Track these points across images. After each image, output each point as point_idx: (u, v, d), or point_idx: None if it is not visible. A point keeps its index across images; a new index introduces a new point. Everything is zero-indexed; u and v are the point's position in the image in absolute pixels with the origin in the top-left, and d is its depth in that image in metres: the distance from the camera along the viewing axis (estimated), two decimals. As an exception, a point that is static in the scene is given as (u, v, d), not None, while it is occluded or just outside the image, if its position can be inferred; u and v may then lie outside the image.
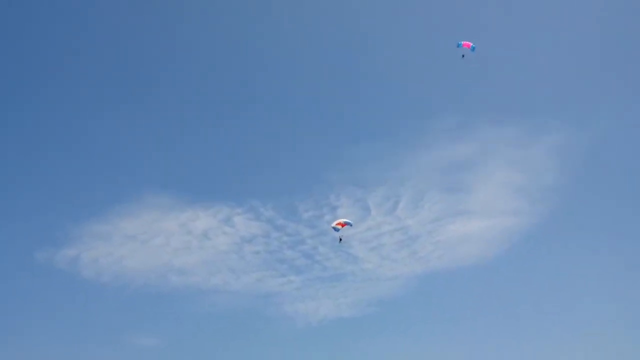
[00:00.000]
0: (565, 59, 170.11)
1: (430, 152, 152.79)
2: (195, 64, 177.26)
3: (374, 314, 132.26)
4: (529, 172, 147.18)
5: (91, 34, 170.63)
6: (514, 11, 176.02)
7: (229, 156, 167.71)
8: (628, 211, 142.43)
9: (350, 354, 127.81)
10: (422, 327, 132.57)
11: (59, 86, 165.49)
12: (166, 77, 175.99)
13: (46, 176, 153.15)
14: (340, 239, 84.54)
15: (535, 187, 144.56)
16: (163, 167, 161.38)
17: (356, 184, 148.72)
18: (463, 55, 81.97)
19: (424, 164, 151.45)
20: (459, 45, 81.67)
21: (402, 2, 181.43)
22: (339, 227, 79.89)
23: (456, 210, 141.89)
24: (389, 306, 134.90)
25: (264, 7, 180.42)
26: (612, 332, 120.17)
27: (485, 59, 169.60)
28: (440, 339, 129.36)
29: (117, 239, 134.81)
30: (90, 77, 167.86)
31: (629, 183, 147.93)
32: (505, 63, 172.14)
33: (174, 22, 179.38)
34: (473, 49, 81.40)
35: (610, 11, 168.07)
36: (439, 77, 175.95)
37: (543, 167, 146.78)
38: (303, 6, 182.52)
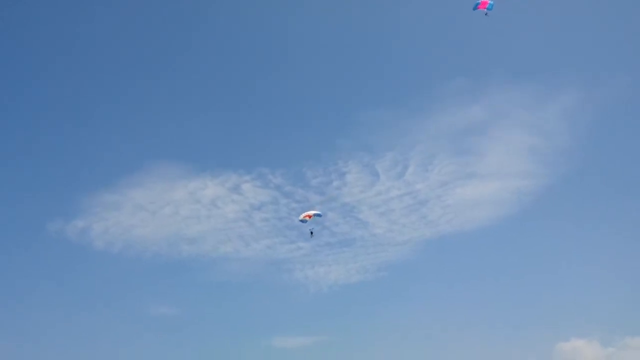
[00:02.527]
0: (580, 16, 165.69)
1: (440, 115, 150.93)
2: (203, 34, 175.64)
3: (383, 278, 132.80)
4: (542, 134, 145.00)
5: (109, 11, 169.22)
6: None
7: (236, 124, 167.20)
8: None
9: (361, 318, 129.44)
10: (432, 291, 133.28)
11: (69, 59, 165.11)
12: (175, 48, 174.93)
13: (56, 148, 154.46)
14: (312, 233, 79.70)
15: (547, 149, 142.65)
16: (171, 136, 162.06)
17: (364, 149, 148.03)
18: (486, 13, 78.80)
19: (434, 127, 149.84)
20: (475, 8, 78.60)
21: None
22: (307, 219, 76.46)
23: (466, 173, 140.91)
24: (399, 271, 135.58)
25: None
26: (621, 294, 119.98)
27: (495, 19, 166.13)
28: (450, 302, 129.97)
29: (127, 209, 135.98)
30: (102, 50, 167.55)
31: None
32: (516, 22, 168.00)
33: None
34: (491, 6, 78.44)
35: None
36: (447, 40, 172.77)
37: (556, 129, 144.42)
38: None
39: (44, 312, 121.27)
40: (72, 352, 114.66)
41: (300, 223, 76.99)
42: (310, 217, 76.40)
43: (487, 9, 78.55)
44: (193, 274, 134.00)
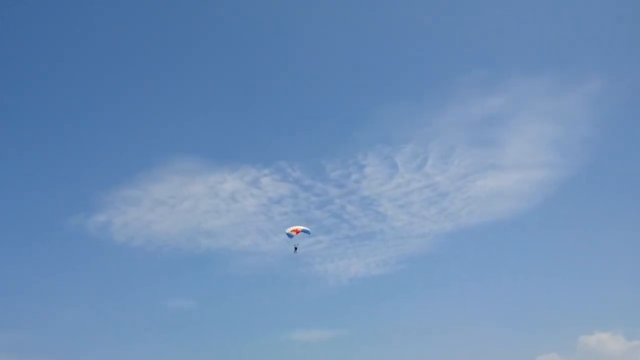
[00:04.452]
0: (603, 3, 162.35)
1: (459, 107, 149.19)
2: (221, 28, 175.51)
3: (403, 271, 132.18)
4: (564, 124, 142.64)
5: (129, 6, 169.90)
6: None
7: (255, 118, 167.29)
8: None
9: (381, 311, 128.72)
10: (452, 284, 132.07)
11: (90, 55, 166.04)
12: (194, 42, 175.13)
13: (76, 143, 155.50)
14: (296, 249, 76.39)
15: (570, 139, 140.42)
16: (189, 131, 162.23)
17: (383, 141, 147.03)
18: None
19: (453, 119, 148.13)
20: None
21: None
22: (293, 233, 73.38)
23: (487, 164, 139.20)
24: (419, 264, 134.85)
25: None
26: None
27: (514, 7, 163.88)
28: (471, 295, 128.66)
29: (146, 204, 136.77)
30: (121, 45, 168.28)
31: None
32: (537, 9, 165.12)
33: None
34: None
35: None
36: (465, 30, 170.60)
37: (578, 118, 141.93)
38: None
39: (64, 305, 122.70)
40: (92, 344, 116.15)
41: (287, 237, 73.94)
42: (298, 232, 73.62)
43: None
44: (212, 268, 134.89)
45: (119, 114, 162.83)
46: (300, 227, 73.22)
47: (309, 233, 73.75)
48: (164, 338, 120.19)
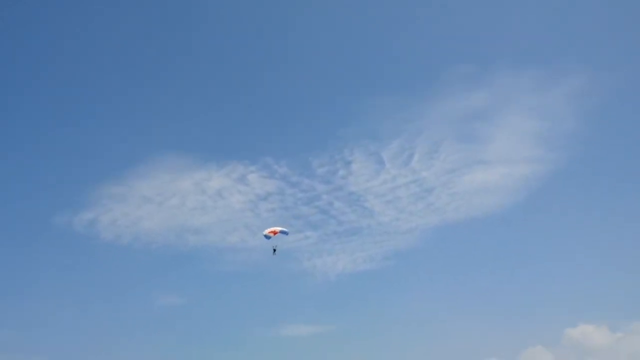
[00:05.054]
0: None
1: (445, 102, 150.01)
2: (207, 27, 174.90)
3: (390, 266, 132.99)
4: (548, 119, 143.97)
5: (118, 5, 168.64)
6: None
7: (241, 114, 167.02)
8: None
9: (368, 306, 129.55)
10: (439, 278, 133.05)
11: (75, 54, 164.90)
12: (179, 41, 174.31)
13: (62, 141, 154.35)
14: (275, 250, 74.96)
15: (554, 133, 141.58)
16: (176, 128, 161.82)
17: (370, 137, 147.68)
18: None
19: (439, 114, 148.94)
20: None
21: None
22: (271, 235, 72.32)
23: (473, 160, 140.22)
24: (406, 259, 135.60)
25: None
26: (630, 279, 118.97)
27: (500, 4, 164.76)
28: (457, 289, 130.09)
29: (133, 201, 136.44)
30: (107, 44, 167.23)
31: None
32: (522, 5, 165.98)
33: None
34: None
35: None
36: (452, 26, 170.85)
37: (562, 113, 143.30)
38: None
39: (53, 303, 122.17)
40: (81, 343, 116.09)
41: (265, 239, 72.72)
42: (275, 233, 72.48)
43: None
44: (200, 264, 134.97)
45: (106, 112, 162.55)
46: (278, 228, 72.31)
47: (287, 234, 72.97)
48: (153, 335, 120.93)
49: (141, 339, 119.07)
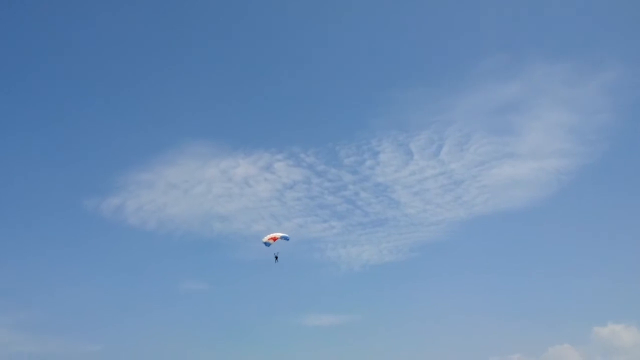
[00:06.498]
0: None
1: (476, 93, 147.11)
2: (236, 15, 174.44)
3: (416, 259, 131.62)
4: (582, 112, 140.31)
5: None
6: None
7: (268, 102, 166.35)
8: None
9: (392, 298, 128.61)
10: (465, 272, 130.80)
11: (107, 41, 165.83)
12: (210, 27, 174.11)
13: (91, 126, 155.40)
14: (276, 258, 72.17)
15: (587, 127, 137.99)
16: (203, 115, 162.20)
17: (398, 127, 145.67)
18: None
19: (470, 106, 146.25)
20: None
21: None
22: (271, 241, 69.72)
23: (503, 152, 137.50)
24: (432, 251, 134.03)
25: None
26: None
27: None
28: (484, 284, 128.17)
29: (160, 187, 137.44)
30: (140, 30, 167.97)
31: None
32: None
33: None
34: None
35: None
36: (484, 16, 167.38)
37: (596, 107, 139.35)
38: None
39: (79, 285, 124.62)
40: (105, 324, 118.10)
41: (265, 246, 70.08)
42: (275, 239, 70.19)
43: None
44: (224, 251, 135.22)
45: (135, 98, 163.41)
46: (278, 234, 70.49)
47: (288, 239, 70.74)
48: (176, 320, 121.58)
49: (164, 323, 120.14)
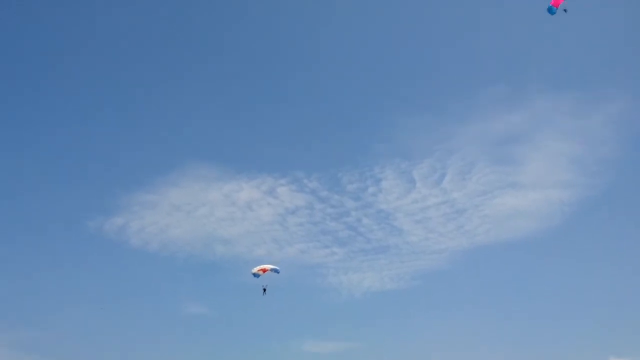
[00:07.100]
0: (625, 23, 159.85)
1: (480, 122, 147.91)
2: (237, 34, 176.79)
3: (417, 287, 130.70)
4: (585, 143, 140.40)
5: (147, 8, 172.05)
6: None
7: (273, 127, 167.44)
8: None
9: (393, 326, 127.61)
10: (467, 302, 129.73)
11: (108, 57, 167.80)
12: (212, 47, 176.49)
13: (96, 147, 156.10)
14: (265, 290, 71.23)
15: (591, 158, 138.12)
16: (208, 137, 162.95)
17: (401, 155, 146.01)
18: (565, 10, 74.02)
19: (473, 135, 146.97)
20: (552, 12, 73.75)
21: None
22: (260, 272, 68.15)
23: (506, 182, 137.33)
24: (434, 280, 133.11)
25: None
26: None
27: (537, 25, 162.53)
28: (487, 315, 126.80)
29: (163, 209, 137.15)
30: (140, 49, 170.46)
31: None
32: (559, 28, 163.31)
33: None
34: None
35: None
36: (487, 46, 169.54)
37: (600, 138, 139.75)
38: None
39: (80, 306, 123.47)
40: (106, 346, 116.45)
41: (254, 277, 68.73)
42: (265, 271, 68.87)
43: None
44: (226, 275, 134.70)
45: (140, 118, 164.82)
46: (268, 266, 68.78)
47: (279, 272, 69.18)
48: (177, 343, 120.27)
49: (164, 346, 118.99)
